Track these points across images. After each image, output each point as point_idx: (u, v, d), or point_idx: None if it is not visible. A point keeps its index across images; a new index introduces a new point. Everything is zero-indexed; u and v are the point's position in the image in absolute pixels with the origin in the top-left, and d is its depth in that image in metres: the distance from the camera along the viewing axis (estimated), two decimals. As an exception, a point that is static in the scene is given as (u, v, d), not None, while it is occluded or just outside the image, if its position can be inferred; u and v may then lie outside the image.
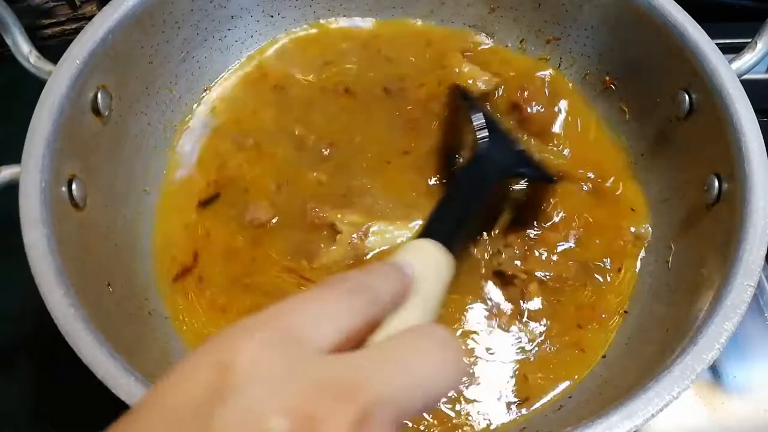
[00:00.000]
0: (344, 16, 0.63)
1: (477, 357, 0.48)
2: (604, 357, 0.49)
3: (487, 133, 0.50)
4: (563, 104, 0.59)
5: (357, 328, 0.25)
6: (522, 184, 0.54)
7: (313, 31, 0.63)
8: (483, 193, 0.47)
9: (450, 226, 0.41)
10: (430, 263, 0.35)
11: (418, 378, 0.24)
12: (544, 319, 0.50)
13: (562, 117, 0.58)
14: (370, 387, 0.22)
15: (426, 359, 0.25)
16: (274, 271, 0.51)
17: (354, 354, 0.24)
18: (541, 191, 0.54)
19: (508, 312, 0.50)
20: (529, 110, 0.56)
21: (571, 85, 0.61)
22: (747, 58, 0.51)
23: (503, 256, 0.51)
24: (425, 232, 0.40)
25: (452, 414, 0.45)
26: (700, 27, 0.51)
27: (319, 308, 0.25)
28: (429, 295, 0.33)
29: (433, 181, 0.55)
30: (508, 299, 0.51)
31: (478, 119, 0.51)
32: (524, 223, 0.53)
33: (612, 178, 0.55)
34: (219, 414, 0.20)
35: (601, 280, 0.51)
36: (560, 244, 0.52)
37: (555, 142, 0.57)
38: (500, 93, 0.58)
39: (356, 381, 0.22)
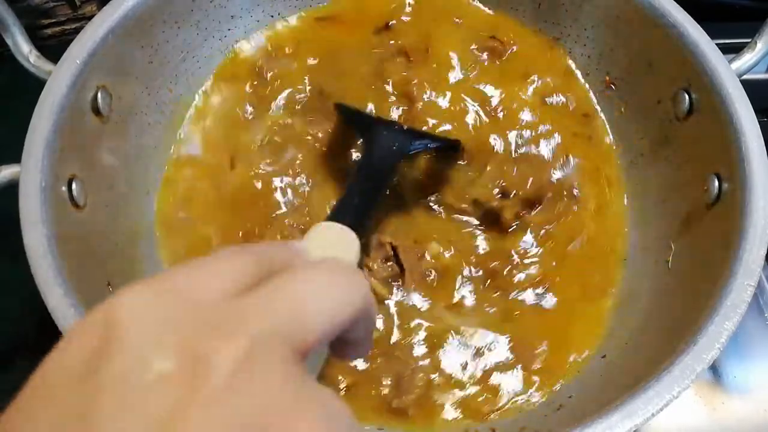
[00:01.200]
0: (344, 16, 0.63)
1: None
2: (603, 357, 0.49)
3: (368, 126, 0.52)
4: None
5: (246, 285, 0.24)
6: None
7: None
8: (384, 176, 0.50)
9: (354, 208, 0.44)
10: (329, 242, 0.38)
11: (306, 303, 0.23)
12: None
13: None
14: (257, 319, 0.22)
15: (314, 284, 0.24)
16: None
17: (241, 296, 0.23)
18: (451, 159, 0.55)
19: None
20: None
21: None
22: (747, 58, 0.51)
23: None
24: (331, 216, 0.43)
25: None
26: (700, 27, 0.51)
27: (204, 267, 0.24)
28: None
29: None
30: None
31: (354, 118, 0.55)
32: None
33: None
34: (104, 368, 0.20)
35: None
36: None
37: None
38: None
39: (243, 316, 0.22)
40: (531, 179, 0.54)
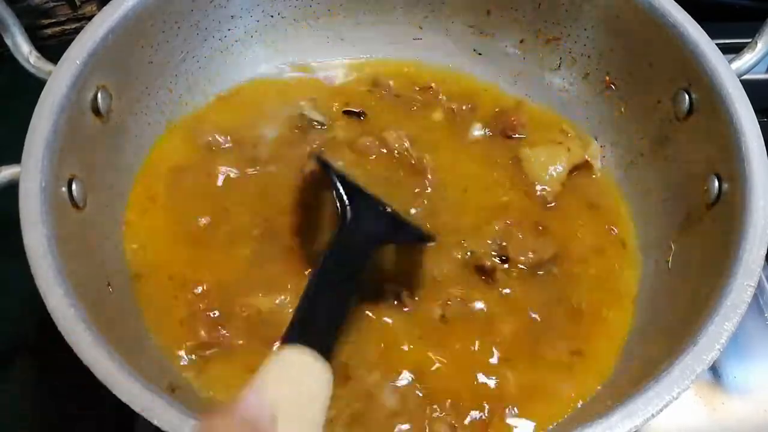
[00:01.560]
0: (344, 16, 0.63)
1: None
2: (604, 357, 0.49)
3: (349, 202, 0.44)
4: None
5: None
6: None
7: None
8: (354, 272, 0.41)
9: (321, 324, 0.36)
10: (297, 384, 0.32)
11: None
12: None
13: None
14: None
15: None
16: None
17: None
18: (417, 252, 0.50)
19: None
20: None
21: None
22: (747, 58, 0.51)
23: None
24: (292, 337, 0.35)
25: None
26: (700, 27, 0.51)
27: None
28: (296, 421, 0.29)
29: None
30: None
31: (338, 187, 0.46)
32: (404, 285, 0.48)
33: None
34: None
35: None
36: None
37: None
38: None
39: None
40: (533, 252, 0.51)
